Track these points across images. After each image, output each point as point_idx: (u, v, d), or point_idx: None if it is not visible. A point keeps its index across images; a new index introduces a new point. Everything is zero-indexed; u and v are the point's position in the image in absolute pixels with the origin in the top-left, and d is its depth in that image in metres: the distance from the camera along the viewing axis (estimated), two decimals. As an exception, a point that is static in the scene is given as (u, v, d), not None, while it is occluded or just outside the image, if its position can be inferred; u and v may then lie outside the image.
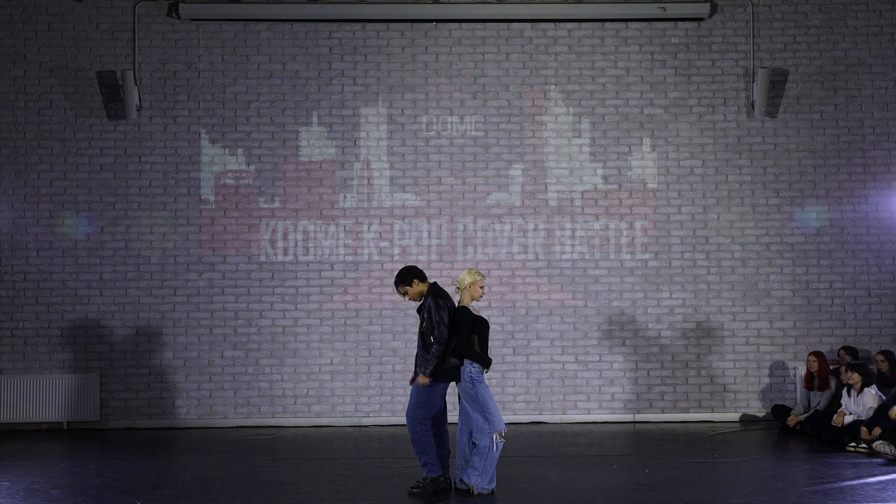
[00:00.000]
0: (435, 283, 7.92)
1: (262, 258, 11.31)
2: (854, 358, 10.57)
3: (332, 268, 11.31)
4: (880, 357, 10.48)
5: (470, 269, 7.83)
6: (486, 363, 7.68)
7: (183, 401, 11.18)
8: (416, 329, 11.15)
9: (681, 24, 11.53)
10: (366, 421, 11.21)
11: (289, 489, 7.94)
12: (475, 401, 7.60)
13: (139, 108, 11.21)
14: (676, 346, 11.36)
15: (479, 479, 7.58)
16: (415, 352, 11.14)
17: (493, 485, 7.63)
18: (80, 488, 8.04)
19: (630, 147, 11.48)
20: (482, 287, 7.82)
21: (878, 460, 8.93)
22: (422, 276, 7.87)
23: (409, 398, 7.85)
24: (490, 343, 11.21)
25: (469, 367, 7.64)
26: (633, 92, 11.50)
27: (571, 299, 11.32)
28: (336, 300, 11.28)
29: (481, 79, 11.48)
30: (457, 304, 7.76)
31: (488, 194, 11.42)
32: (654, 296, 11.38)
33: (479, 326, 7.74)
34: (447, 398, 7.83)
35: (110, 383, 11.14)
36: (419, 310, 7.85)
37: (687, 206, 11.46)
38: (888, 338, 11.33)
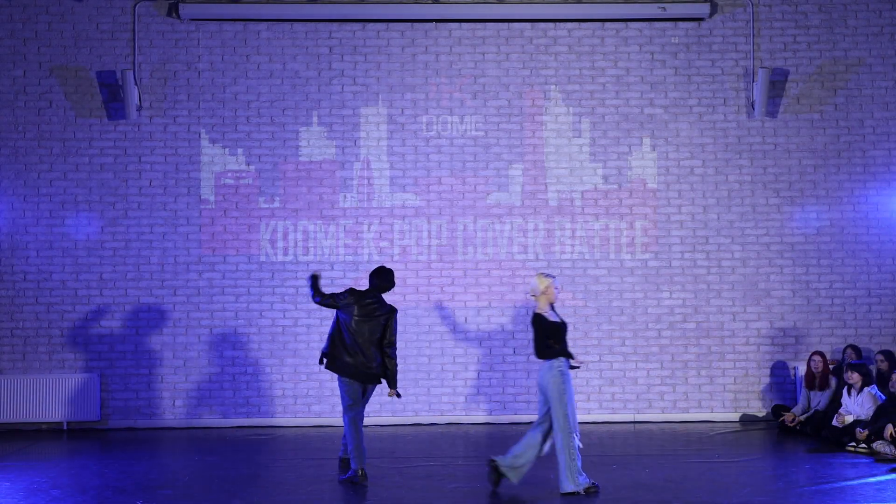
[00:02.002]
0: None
1: (262, 258, 11.31)
2: (858, 357, 10.58)
3: (332, 268, 11.31)
4: (880, 357, 10.48)
5: (539, 275, 7.88)
6: (570, 355, 7.74)
7: (183, 401, 11.18)
8: (415, 330, 11.22)
9: (681, 24, 11.53)
10: (366, 421, 11.17)
11: (289, 489, 7.95)
12: (563, 395, 7.59)
13: (139, 108, 11.21)
14: (676, 346, 11.36)
15: (577, 480, 7.56)
16: (414, 352, 11.18)
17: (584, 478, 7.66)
18: (80, 488, 8.04)
19: (630, 147, 11.48)
20: (556, 288, 7.88)
21: (878, 460, 8.93)
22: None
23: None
24: (490, 343, 11.30)
25: (555, 363, 7.62)
26: (633, 92, 11.51)
27: (571, 299, 11.31)
28: (336, 300, 11.27)
29: (481, 79, 11.49)
30: (534, 312, 7.83)
31: (488, 194, 11.42)
32: (654, 296, 11.38)
33: (558, 330, 7.75)
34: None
35: (110, 383, 11.15)
36: (376, 313, 8.26)
37: (687, 206, 11.46)
38: (888, 338, 11.33)
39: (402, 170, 11.39)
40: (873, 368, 10.45)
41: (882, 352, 10.55)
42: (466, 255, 11.35)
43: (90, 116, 11.32)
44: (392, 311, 8.36)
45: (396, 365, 8.39)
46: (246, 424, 11.17)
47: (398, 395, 8.62)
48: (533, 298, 7.88)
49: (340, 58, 11.44)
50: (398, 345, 11.21)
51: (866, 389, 9.74)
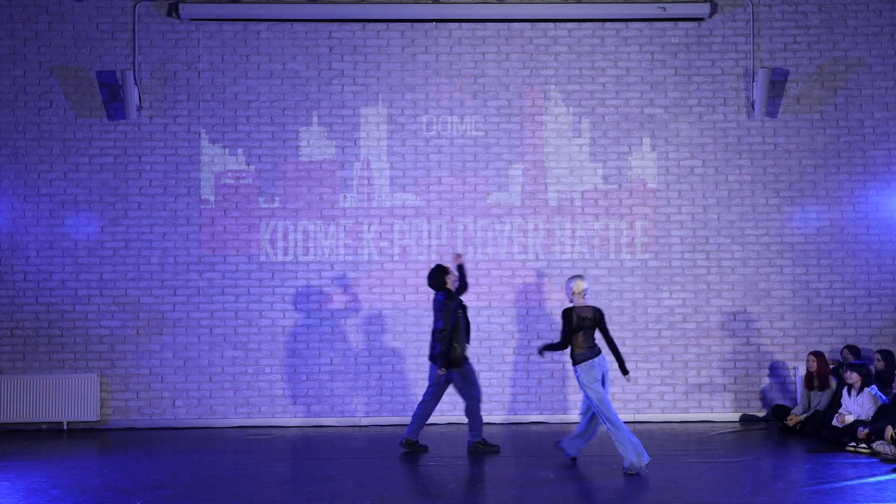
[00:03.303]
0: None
1: (262, 258, 11.32)
2: (856, 357, 10.58)
3: (332, 268, 11.31)
4: (878, 356, 10.49)
5: (578, 277, 8.72)
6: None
7: (183, 401, 11.19)
8: (416, 329, 11.23)
9: (681, 24, 11.53)
10: (366, 421, 11.21)
11: (289, 489, 7.95)
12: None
13: (139, 108, 11.21)
14: (676, 346, 11.36)
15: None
16: (414, 352, 11.19)
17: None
18: (80, 488, 8.04)
19: (630, 147, 11.48)
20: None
21: (878, 460, 8.93)
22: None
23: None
24: (490, 343, 11.30)
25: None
26: (633, 92, 11.51)
27: (571, 299, 11.30)
28: (336, 300, 11.28)
29: (481, 79, 11.49)
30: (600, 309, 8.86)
31: (488, 194, 11.42)
32: (654, 296, 11.38)
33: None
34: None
35: (110, 383, 11.15)
36: (433, 307, 9.54)
37: (687, 206, 11.47)
38: (888, 338, 11.33)
39: (402, 170, 11.39)
40: (872, 368, 10.46)
41: (880, 351, 10.55)
42: (466, 255, 11.35)
43: (90, 116, 11.32)
44: (437, 300, 9.47)
45: (438, 346, 9.33)
46: (246, 424, 11.17)
47: (442, 373, 9.44)
48: (576, 298, 8.62)
49: (340, 58, 11.44)
50: (398, 345, 11.26)
51: (866, 390, 9.74)
